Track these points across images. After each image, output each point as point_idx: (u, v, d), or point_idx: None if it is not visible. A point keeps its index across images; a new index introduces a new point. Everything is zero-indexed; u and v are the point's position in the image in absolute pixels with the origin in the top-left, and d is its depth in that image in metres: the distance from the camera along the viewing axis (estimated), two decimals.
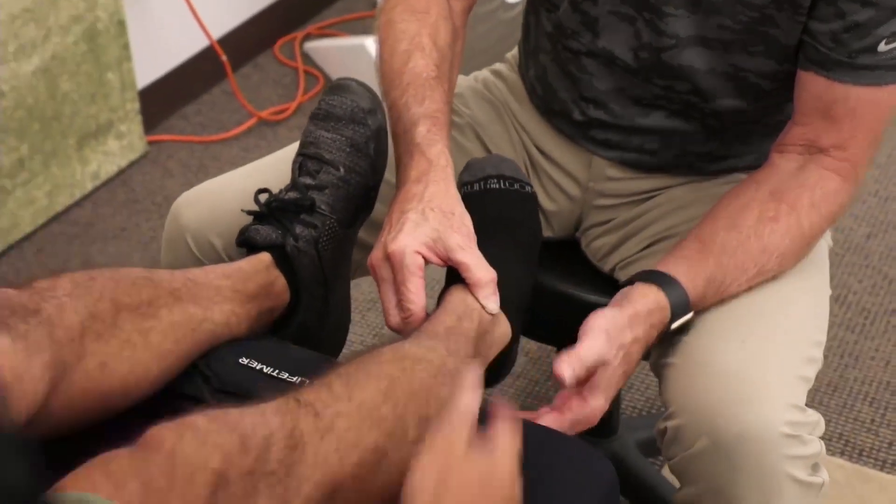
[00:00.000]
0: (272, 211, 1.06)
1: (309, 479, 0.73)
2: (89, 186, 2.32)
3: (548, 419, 1.00)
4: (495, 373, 1.03)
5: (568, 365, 0.98)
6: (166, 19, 2.46)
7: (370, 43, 2.52)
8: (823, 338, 1.14)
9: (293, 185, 1.09)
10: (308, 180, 1.08)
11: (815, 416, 1.04)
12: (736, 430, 0.99)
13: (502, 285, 1.01)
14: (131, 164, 2.40)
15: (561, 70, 1.27)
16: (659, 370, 1.10)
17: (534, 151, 1.33)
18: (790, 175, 1.13)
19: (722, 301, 1.10)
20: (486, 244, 1.03)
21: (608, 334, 1.01)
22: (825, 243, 1.26)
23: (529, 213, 1.14)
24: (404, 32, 1.15)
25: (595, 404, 1.00)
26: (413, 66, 1.12)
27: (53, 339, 0.78)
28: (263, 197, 1.08)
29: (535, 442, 0.90)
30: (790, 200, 1.11)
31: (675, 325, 1.06)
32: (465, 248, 0.99)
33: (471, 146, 1.32)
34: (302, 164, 1.10)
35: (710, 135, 1.24)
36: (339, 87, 1.14)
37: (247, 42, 2.72)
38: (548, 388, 1.88)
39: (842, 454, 1.74)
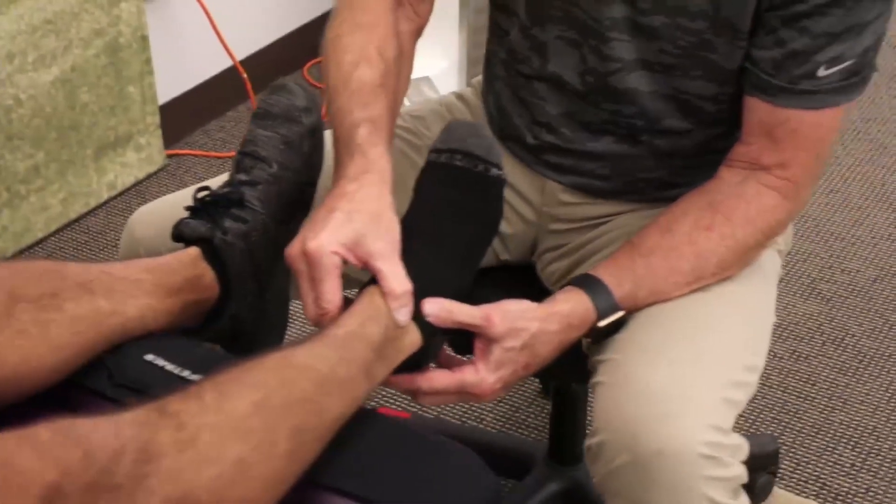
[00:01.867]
0: (205, 206, 1.08)
1: (158, 493, 0.73)
2: (105, 196, 2.38)
3: (438, 374, 1.02)
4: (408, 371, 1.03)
5: (437, 304, 1.00)
6: (190, 38, 2.52)
7: None
8: (759, 362, 1.14)
9: (228, 181, 1.11)
10: (242, 176, 1.10)
11: (737, 440, 1.04)
12: (654, 446, 1.00)
13: (426, 289, 1.00)
14: (149, 177, 2.46)
15: (514, 95, 1.28)
16: (592, 390, 1.11)
17: None
18: (730, 187, 1.15)
19: (661, 318, 1.11)
20: (422, 240, 1.02)
21: (504, 313, 1.02)
22: (774, 272, 1.25)
23: (489, 199, 1.09)
24: (351, 44, 1.16)
25: (485, 376, 1.02)
26: (359, 74, 1.13)
27: None
28: (202, 194, 1.11)
29: (422, 449, 0.91)
30: (725, 211, 1.13)
31: (603, 323, 1.09)
32: (384, 256, 0.98)
33: None
34: (239, 161, 1.12)
35: (658, 161, 1.24)
36: (277, 88, 1.17)
37: (274, 63, 2.78)
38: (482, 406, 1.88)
39: (816, 496, 1.71)
